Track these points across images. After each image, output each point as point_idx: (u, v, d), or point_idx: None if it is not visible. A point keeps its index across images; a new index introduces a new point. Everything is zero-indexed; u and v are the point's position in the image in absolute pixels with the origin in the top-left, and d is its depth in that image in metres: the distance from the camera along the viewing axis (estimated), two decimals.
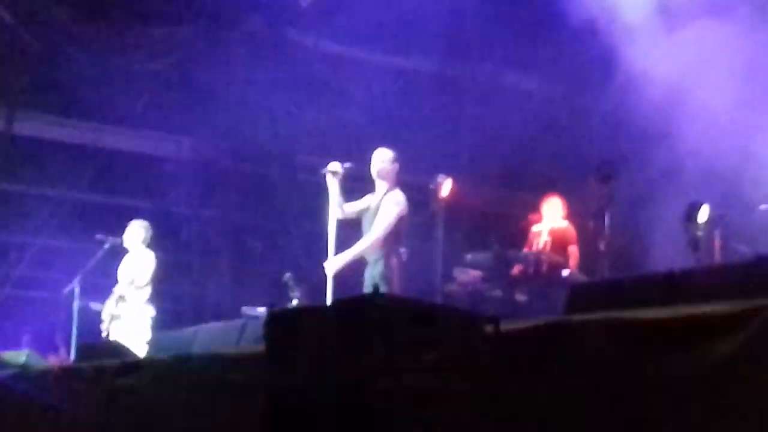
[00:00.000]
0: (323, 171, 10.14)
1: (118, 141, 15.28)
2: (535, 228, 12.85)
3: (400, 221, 10.19)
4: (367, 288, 9.78)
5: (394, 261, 10.05)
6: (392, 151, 10.42)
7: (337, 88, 16.18)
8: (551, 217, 12.80)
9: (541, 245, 12.57)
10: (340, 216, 10.26)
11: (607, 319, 4.58)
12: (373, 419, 4.23)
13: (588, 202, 11.99)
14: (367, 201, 10.35)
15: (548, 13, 14.81)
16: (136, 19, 15.46)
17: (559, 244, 12.52)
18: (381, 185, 10.33)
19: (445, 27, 16.52)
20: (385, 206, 10.17)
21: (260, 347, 5.27)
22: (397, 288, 9.94)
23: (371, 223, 10.16)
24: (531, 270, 12.16)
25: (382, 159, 10.36)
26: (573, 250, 12.52)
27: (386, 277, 9.90)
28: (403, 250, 10.22)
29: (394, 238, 10.14)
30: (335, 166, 10.10)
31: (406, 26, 15.99)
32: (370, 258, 10.06)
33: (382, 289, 9.56)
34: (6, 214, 15.20)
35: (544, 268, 12.14)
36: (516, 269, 12.25)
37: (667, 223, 12.61)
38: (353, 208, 10.33)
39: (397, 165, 10.40)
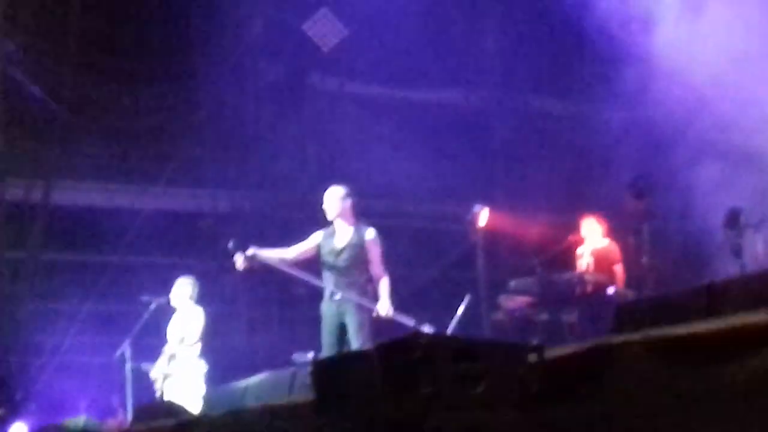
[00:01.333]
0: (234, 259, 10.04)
1: (154, 201, 15.38)
2: (578, 251, 12.80)
3: None
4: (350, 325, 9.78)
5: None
6: (343, 187, 10.31)
7: (366, 128, 16.26)
8: (592, 237, 12.76)
9: (584, 266, 12.53)
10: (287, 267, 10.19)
11: (647, 337, 4.58)
12: None
13: (626, 218, 11.97)
14: (316, 239, 10.21)
15: (572, 33, 14.88)
16: (161, 77, 15.63)
17: (603, 263, 12.48)
18: (341, 222, 10.20)
19: (469, 57, 16.61)
20: (373, 246, 10.10)
21: (310, 395, 5.31)
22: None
23: (349, 258, 10.05)
24: (577, 291, 12.14)
25: (337, 197, 10.21)
26: (618, 269, 12.47)
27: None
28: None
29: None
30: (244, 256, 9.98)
31: (431, 60, 16.09)
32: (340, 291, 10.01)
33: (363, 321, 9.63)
34: (52, 284, 15.34)
35: (590, 288, 12.12)
36: (563, 291, 12.21)
37: (709, 232, 12.59)
38: (303, 248, 10.24)
39: (350, 200, 10.26)
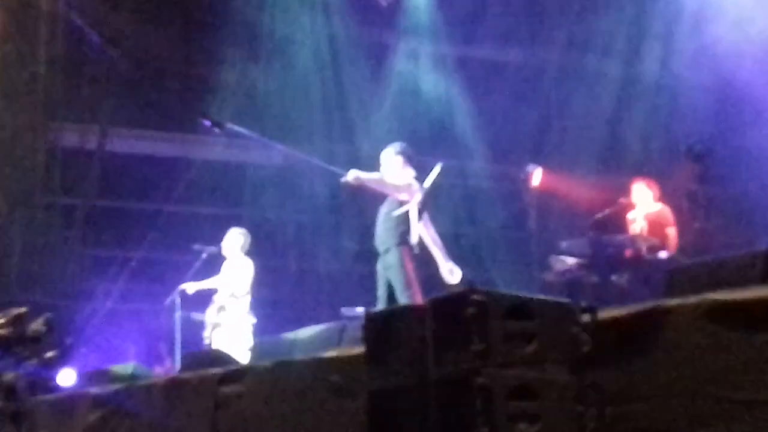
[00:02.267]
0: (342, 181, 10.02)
1: (208, 151, 15.43)
2: (629, 215, 12.71)
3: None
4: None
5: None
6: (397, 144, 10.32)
7: (422, 85, 16.20)
8: (643, 202, 12.65)
9: (637, 231, 12.45)
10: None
11: (703, 301, 4.55)
12: (475, 415, 4.25)
13: (680, 182, 11.87)
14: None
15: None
16: (219, 30, 15.64)
17: (656, 227, 12.37)
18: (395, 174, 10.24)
19: (526, 15, 16.49)
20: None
21: (360, 349, 5.32)
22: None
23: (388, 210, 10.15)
24: (628, 254, 12.06)
25: (392, 152, 10.32)
26: (671, 232, 12.35)
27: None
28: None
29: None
30: (351, 175, 10.00)
31: (488, 17, 16.00)
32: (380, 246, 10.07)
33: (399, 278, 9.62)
34: (104, 230, 15.45)
35: (642, 251, 12.03)
36: (613, 253, 12.14)
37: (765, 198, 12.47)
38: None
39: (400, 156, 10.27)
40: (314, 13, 16.10)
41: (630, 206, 12.65)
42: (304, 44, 16.06)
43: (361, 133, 15.94)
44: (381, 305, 9.79)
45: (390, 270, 9.83)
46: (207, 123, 10.40)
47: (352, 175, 9.83)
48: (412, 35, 16.53)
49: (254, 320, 12.28)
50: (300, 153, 11.26)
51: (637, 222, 12.52)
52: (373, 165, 10.37)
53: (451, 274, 9.82)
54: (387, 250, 9.92)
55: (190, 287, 12.35)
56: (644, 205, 12.60)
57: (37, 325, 7.10)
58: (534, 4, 16.60)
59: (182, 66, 15.82)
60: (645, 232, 12.35)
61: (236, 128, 10.50)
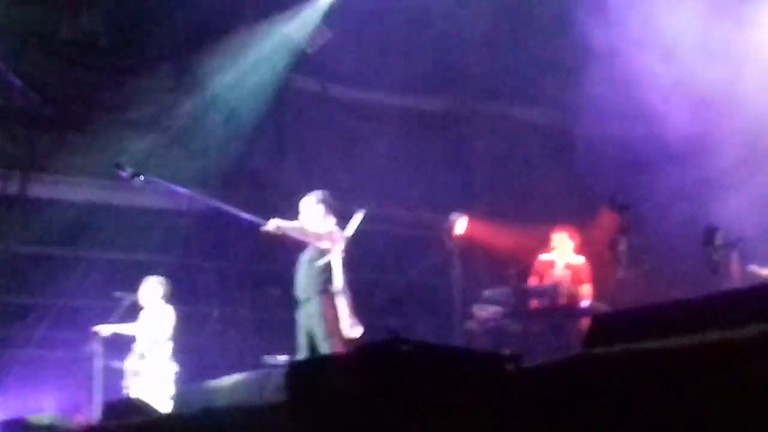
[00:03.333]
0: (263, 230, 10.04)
1: (130, 198, 15.31)
2: (543, 258, 12.81)
3: None
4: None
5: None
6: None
7: (347, 131, 16.22)
8: (564, 251, 12.76)
9: (557, 277, 12.53)
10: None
11: (629, 350, 4.57)
12: None
13: (601, 232, 11.99)
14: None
15: (553, 44, 14.91)
16: (141, 74, 15.57)
17: (576, 279, 12.49)
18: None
19: (450, 65, 16.59)
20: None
21: (283, 398, 5.27)
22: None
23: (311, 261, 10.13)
24: (550, 303, 12.14)
25: (313, 201, 10.35)
26: (587, 288, 12.48)
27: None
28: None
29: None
30: (272, 224, 9.99)
31: (411, 67, 16.07)
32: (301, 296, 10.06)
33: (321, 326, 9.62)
34: (23, 277, 15.23)
35: (563, 300, 12.13)
36: (534, 303, 12.21)
37: (685, 249, 12.62)
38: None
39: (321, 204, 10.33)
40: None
41: (549, 252, 12.77)
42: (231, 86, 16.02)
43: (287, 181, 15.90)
44: (302, 354, 9.76)
45: (311, 319, 9.81)
46: (124, 174, 10.32)
47: (273, 224, 9.82)
48: (335, 81, 16.55)
49: (176, 368, 12.17)
50: (218, 202, 11.20)
51: (557, 269, 12.62)
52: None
53: (352, 328, 9.80)
54: (308, 299, 9.91)
55: (105, 329, 12.20)
56: (565, 254, 12.71)
57: None
58: (455, 53, 16.70)
59: (104, 110, 15.69)
60: (567, 281, 12.45)
61: (152, 179, 10.44)
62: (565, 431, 4.68)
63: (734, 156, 12.55)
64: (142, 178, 10.18)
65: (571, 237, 12.83)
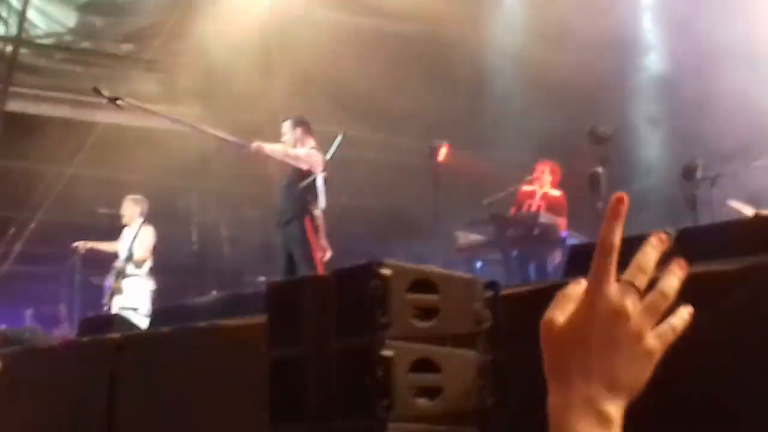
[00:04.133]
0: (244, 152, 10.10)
1: (114, 115, 15.27)
2: (525, 188, 12.86)
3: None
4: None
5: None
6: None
7: (331, 55, 16.13)
8: (544, 183, 12.82)
9: (534, 207, 12.60)
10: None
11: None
12: (376, 386, 4.27)
13: (582, 163, 12.01)
14: None
15: None
16: None
17: (552, 210, 12.54)
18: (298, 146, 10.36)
19: None
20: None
21: (261, 318, 5.31)
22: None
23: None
24: (530, 231, 12.20)
25: (289, 126, 10.48)
26: (562, 221, 12.54)
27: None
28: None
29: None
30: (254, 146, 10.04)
31: None
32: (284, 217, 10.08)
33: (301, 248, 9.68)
34: (4, 192, 15.21)
35: (542, 229, 12.18)
36: (512, 232, 12.27)
37: (664, 182, 12.67)
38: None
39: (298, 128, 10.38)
40: None
41: (532, 183, 12.83)
42: None
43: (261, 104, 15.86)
44: (281, 275, 9.80)
45: (292, 241, 9.84)
46: (103, 98, 10.25)
47: (255, 146, 9.84)
48: (321, 5, 16.50)
49: (154, 286, 12.21)
50: (201, 125, 11.20)
51: (535, 198, 12.68)
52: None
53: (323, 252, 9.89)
54: (289, 221, 9.93)
55: (84, 246, 12.22)
56: (545, 186, 12.77)
57: None
58: None
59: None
60: (542, 210, 12.51)
61: (133, 103, 10.41)
62: (536, 359, 4.73)
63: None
64: (120, 102, 10.13)
65: (551, 171, 12.88)
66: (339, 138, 10.12)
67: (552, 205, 12.57)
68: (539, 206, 12.54)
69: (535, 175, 12.89)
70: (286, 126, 10.34)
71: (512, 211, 12.67)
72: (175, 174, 15.55)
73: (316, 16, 16.34)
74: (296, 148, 10.17)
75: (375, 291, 4.37)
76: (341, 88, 15.39)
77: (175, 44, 15.75)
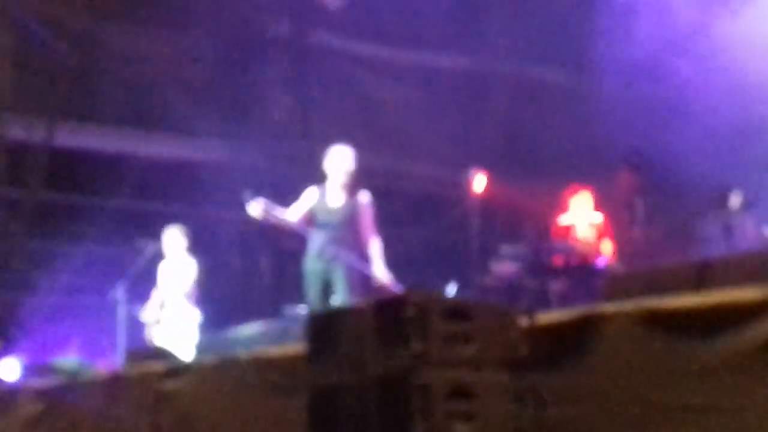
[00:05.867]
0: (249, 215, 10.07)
1: (155, 148, 15.47)
2: (563, 221, 12.85)
3: None
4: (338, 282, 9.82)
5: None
6: (351, 149, 10.29)
7: (367, 88, 16.28)
8: (583, 210, 12.80)
9: (580, 237, 12.58)
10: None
11: (640, 308, 4.68)
12: (413, 413, 4.35)
13: (618, 192, 12.03)
14: (312, 198, 10.14)
15: (572, 3, 14.93)
16: (166, 26, 15.68)
17: (597, 236, 12.53)
18: (335, 182, 10.10)
19: (470, 22, 16.62)
20: (367, 209, 10.09)
21: (301, 347, 5.41)
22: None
23: (344, 218, 10.07)
24: (567, 261, 12.22)
25: (348, 158, 10.12)
26: (608, 244, 12.52)
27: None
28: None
29: None
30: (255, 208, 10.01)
31: (432, 24, 16.12)
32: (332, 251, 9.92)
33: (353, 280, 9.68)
34: (49, 224, 15.39)
35: (580, 258, 12.20)
36: (553, 260, 12.28)
37: (701, 209, 12.67)
38: (302, 210, 10.15)
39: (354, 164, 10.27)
40: None
41: (564, 211, 12.83)
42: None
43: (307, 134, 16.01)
44: (315, 306, 9.83)
45: (336, 271, 9.86)
46: (247, 197, 10.22)
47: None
48: (358, 39, 16.63)
49: (199, 317, 12.29)
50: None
51: (579, 229, 12.66)
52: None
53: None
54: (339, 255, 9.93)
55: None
56: (584, 214, 12.75)
57: None
58: (475, 10, 16.75)
59: (130, 59, 15.81)
60: (589, 239, 12.50)
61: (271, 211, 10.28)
62: (575, 385, 4.81)
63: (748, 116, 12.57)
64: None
65: (589, 196, 12.87)
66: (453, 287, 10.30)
67: (596, 232, 12.56)
68: (584, 236, 12.54)
69: (574, 203, 12.87)
70: (346, 156, 10.20)
71: (552, 238, 12.67)
72: (216, 205, 15.70)
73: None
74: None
75: (411, 319, 4.46)
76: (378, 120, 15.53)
77: None
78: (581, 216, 12.72)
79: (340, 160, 10.10)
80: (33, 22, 15.19)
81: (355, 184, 10.09)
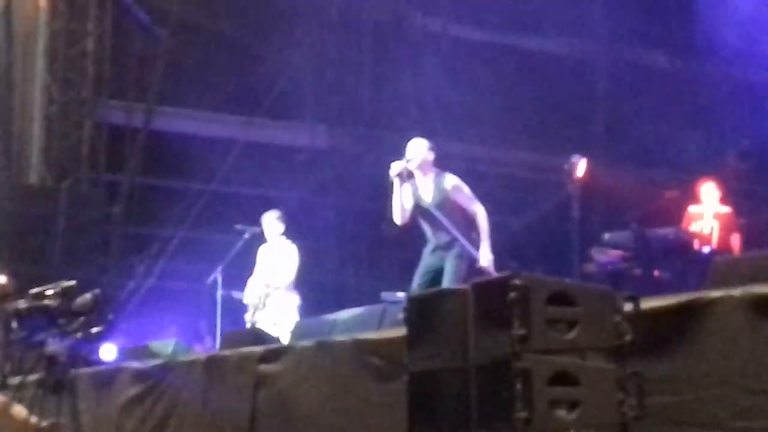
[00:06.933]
0: (391, 176, 9.82)
1: (254, 132, 15.52)
2: (693, 210, 12.62)
3: None
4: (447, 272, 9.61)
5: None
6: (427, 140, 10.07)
7: (469, 73, 16.17)
8: (711, 201, 12.56)
9: (707, 230, 12.35)
10: (399, 222, 9.97)
11: (746, 293, 4.56)
12: (514, 399, 4.26)
13: (727, 179, 11.80)
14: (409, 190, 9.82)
15: None
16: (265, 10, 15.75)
17: (724, 229, 12.30)
18: (419, 173, 9.81)
19: (573, 6, 16.45)
20: (456, 192, 9.88)
21: (401, 331, 5.34)
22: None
23: (439, 208, 9.83)
24: (672, 248, 12.01)
25: (423, 148, 9.84)
26: (736, 238, 12.28)
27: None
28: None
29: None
30: (399, 165, 9.80)
31: (538, 8, 15.99)
32: (442, 240, 9.81)
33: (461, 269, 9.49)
34: (148, 209, 15.54)
35: (686, 245, 11.99)
36: (658, 247, 12.06)
37: None
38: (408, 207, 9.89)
39: (433, 154, 10.05)
40: None
41: (673, 197, 12.61)
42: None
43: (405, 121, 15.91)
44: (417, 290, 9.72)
45: (449, 261, 9.72)
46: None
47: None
48: (455, 22, 16.55)
49: (298, 301, 12.28)
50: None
51: (705, 220, 12.42)
52: None
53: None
54: (451, 242, 9.79)
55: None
56: (712, 205, 12.52)
57: (84, 300, 7.15)
58: None
59: (230, 45, 15.91)
60: (715, 232, 12.26)
61: None
62: (680, 371, 4.68)
63: None
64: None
65: (717, 188, 12.64)
66: None
67: (723, 225, 12.33)
68: (712, 228, 12.31)
69: (702, 195, 12.63)
70: (423, 145, 10.11)
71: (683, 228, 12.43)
72: (314, 191, 15.75)
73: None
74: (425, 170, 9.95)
75: (513, 303, 4.36)
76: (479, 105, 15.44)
77: None
78: (709, 207, 12.50)
79: (412, 152, 9.98)
80: (133, 7, 15.35)
81: (436, 171, 9.93)
